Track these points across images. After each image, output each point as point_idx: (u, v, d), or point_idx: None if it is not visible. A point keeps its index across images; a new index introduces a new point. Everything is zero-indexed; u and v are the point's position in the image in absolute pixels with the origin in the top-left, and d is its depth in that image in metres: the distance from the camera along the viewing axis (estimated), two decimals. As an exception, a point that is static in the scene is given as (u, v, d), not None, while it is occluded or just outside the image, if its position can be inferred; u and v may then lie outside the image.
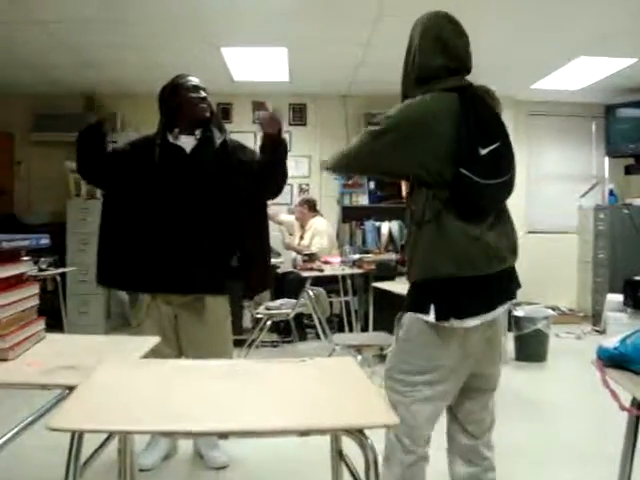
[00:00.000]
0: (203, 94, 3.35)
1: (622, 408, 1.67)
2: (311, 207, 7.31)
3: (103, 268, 3.34)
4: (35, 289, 2.20)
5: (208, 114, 3.34)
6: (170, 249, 3.20)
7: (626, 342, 1.83)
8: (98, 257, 3.36)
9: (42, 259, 5.94)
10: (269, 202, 3.59)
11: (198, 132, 3.31)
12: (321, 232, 7.08)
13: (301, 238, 7.17)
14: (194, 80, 3.41)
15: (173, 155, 3.27)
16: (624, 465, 1.83)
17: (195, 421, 1.39)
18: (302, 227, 7.27)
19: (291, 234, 7.41)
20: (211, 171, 3.28)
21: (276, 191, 3.38)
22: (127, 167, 3.26)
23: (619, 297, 6.87)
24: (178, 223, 3.21)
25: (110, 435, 1.83)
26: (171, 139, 3.29)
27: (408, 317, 2.25)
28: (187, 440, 3.51)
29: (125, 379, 1.71)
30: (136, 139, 3.45)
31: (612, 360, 1.87)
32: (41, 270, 5.83)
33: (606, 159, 8.34)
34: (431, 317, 2.12)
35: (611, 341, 1.92)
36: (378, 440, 1.40)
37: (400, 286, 4.59)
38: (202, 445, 3.45)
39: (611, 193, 8.09)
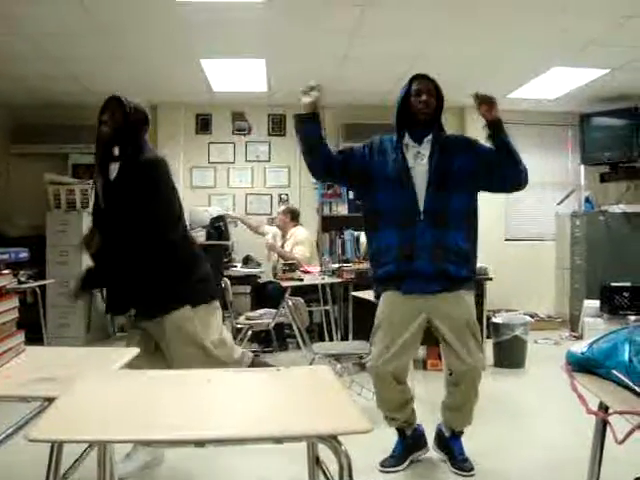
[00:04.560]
0: (105, 116, 3.26)
1: (589, 412, 1.71)
2: (293, 217, 7.35)
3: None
4: (14, 302, 2.21)
5: (105, 136, 3.27)
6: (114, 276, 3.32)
7: (593, 347, 1.88)
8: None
9: (22, 272, 5.91)
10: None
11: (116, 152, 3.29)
12: (302, 241, 7.13)
13: (282, 247, 7.20)
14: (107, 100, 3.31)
15: (102, 180, 3.32)
16: (592, 466, 1.88)
17: (172, 430, 1.42)
18: (283, 236, 7.31)
19: None
20: (126, 199, 3.24)
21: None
22: None
23: (596, 303, 6.95)
24: (115, 252, 3.27)
25: (90, 446, 1.85)
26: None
27: None
28: (170, 450, 3.52)
29: (104, 390, 1.73)
30: None
31: (580, 364, 1.92)
32: (20, 283, 5.80)
33: (582, 167, 8.45)
34: None
35: (579, 346, 1.97)
36: (352, 446, 1.44)
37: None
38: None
39: (587, 200, 8.20)
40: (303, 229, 7.39)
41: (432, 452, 3.62)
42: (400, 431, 3.55)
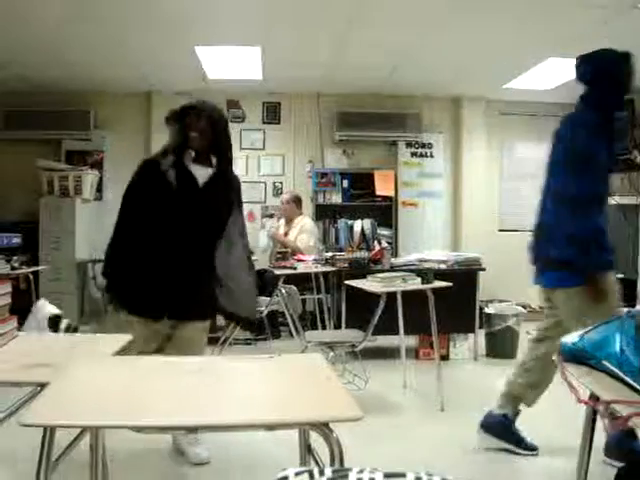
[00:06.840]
0: (199, 123, 3.32)
1: (579, 401, 1.72)
2: (299, 204, 7.24)
3: (118, 292, 3.42)
4: (7, 288, 2.21)
5: (197, 145, 3.34)
6: (181, 278, 3.30)
7: (584, 338, 1.89)
8: (114, 279, 3.41)
9: (14, 257, 5.90)
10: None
11: (214, 160, 3.43)
12: (308, 231, 6.98)
13: (285, 234, 7.10)
14: (195, 104, 3.41)
15: (188, 183, 3.32)
16: (582, 455, 1.90)
17: (164, 415, 1.43)
18: (288, 223, 7.17)
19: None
20: (219, 207, 3.42)
21: None
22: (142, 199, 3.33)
23: (587, 294, 6.97)
24: (190, 253, 3.32)
25: (83, 431, 1.86)
26: (186, 163, 3.35)
27: None
28: (166, 436, 3.53)
29: (97, 375, 1.73)
30: (140, 169, 3.41)
31: (571, 355, 1.92)
32: (13, 268, 5.79)
33: (576, 158, 8.46)
34: None
35: (571, 337, 1.98)
36: (343, 433, 1.45)
37: (371, 284, 4.63)
38: (183, 442, 3.47)
39: (581, 191, 8.20)
40: (310, 219, 7.29)
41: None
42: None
